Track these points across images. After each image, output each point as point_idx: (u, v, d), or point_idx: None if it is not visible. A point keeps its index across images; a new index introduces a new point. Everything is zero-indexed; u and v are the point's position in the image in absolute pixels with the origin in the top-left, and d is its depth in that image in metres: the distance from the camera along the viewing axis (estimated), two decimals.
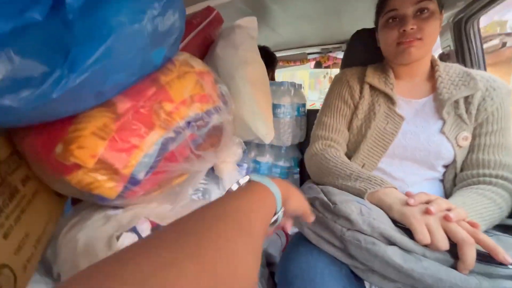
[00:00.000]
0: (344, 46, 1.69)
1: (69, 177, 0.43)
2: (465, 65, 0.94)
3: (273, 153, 0.93)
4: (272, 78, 1.51)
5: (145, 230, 0.47)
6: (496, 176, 0.60)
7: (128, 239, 0.45)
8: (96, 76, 0.35)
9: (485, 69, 0.90)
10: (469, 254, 0.40)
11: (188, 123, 0.54)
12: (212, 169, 0.77)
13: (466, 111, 0.65)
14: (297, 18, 1.27)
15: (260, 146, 0.94)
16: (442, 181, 0.71)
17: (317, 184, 0.67)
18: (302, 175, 0.97)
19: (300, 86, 0.97)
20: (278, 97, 0.87)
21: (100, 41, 0.34)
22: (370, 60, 0.85)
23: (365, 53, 0.92)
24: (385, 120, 0.72)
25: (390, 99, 0.73)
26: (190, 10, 1.08)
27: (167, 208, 0.56)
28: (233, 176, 0.75)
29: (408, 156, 0.69)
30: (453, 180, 0.69)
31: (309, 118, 1.04)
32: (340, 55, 1.83)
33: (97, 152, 0.42)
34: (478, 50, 0.89)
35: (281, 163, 0.91)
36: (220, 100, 0.63)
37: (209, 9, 0.89)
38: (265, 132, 0.74)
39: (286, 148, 0.93)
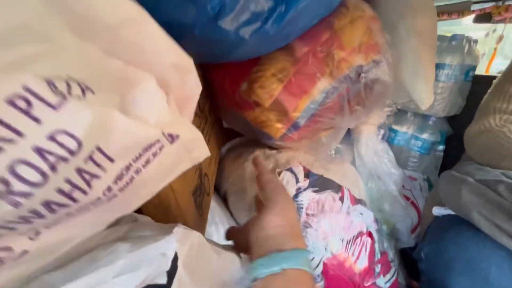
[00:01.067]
0: None
1: (247, 113, 0.49)
2: None
3: (415, 122, 0.80)
4: None
5: (299, 172, 0.51)
6: None
7: (287, 176, 0.49)
8: (298, 16, 0.36)
9: None
10: None
11: (352, 73, 0.51)
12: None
13: None
14: None
15: (400, 113, 0.82)
16: None
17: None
18: (448, 154, 0.81)
19: (476, 42, 0.75)
20: (444, 54, 0.70)
21: None
22: None
23: None
24: None
25: None
26: None
27: (312, 158, 0.57)
28: (371, 140, 0.70)
29: None
30: None
31: (474, 85, 0.82)
32: None
33: (275, 93, 0.45)
34: None
35: (425, 135, 0.77)
36: (384, 51, 0.56)
37: None
38: (425, 96, 0.63)
39: (437, 119, 0.78)
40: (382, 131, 0.77)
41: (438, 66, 0.71)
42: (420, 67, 0.62)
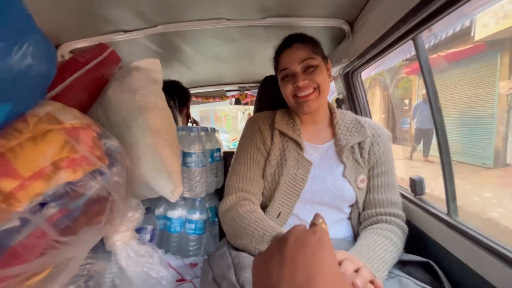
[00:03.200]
0: None
1: None
2: (355, 110, 1.09)
3: (186, 205, 0.82)
4: (187, 114, 1.43)
5: None
6: (390, 214, 0.67)
7: None
8: None
9: (369, 115, 1.06)
10: None
11: (47, 201, 0.40)
12: (102, 241, 0.60)
13: (361, 156, 0.71)
14: (210, 58, 1.27)
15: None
16: (349, 219, 0.76)
17: (233, 246, 0.61)
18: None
19: (213, 129, 0.92)
20: (188, 144, 0.79)
21: None
22: (280, 104, 0.86)
23: (275, 98, 0.95)
24: (296, 166, 0.72)
25: (298, 145, 0.74)
26: (83, 43, 0.93)
27: None
28: (130, 247, 0.61)
29: (318, 200, 0.71)
30: (358, 219, 0.74)
31: (226, 161, 1.00)
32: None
33: None
34: (363, 98, 1.05)
35: (195, 216, 0.80)
36: (106, 160, 0.51)
37: (101, 46, 0.77)
38: (171, 189, 0.64)
39: (201, 199, 0.84)
40: (150, 228, 0.71)
41: (186, 155, 0.79)
42: (160, 162, 0.64)
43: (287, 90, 0.71)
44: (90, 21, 0.81)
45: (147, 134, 0.65)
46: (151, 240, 0.70)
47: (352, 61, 0.91)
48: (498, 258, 0.46)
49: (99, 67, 0.74)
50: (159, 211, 0.81)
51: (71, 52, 0.95)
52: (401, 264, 0.61)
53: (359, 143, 0.72)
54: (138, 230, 0.68)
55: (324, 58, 0.73)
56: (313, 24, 0.86)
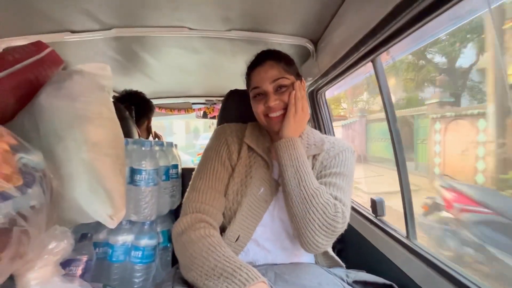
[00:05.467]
0: None
1: None
2: (319, 127, 1.10)
3: (133, 230, 0.72)
4: (148, 128, 1.33)
5: None
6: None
7: None
8: None
9: (333, 133, 1.07)
10: None
11: None
12: (12, 281, 0.48)
13: (313, 168, 0.68)
14: (174, 68, 1.20)
15: None
16: None
17: (182, 278, 0.53)
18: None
19: (171, 144, 0.84)
20: (137, 160, 0.70)
21: None
22: (246, 117, 0.82)
23: (239, 112, 0.92)
24: (261, 186, 0.68)
25: (266, 163, 0.70)
26: (19, 41, 0.81)
27: None
28: (51, 286, 0.49)
29: (278, 226, 0.67)
30: None
31: (185, 179, 0.92)
32: None
33: None
34: (327, 116, 1.06)
35: (143, 242, 0.70)
36: (19, 179, 0.41)
37: (39, 45, 0.67)
38: (109, 213, 0.54)
39: (152, 222, 0.75)
40: (84, 259, 0.60)
41: (135, 172, 0.70)
42: (98, 181, 0.55)
43: (258, 110, 0.67)
44: (28, 17, 0.72)
45: (83, 148, 0.55)
46: (83, 275, 0.59)
47: (316, 80, 0.92)
48: (453, 284, 0.45)
49: (32, 68, 0.63)
50: (100, 237, 0.70)
51: (4, 50, 0.82)
52: (363, 285, 0.58)
53: (314, 156, 0.69)
54: (67, 263, 0.56)
55: (298, 77, 0.71)
56: (278, 41, 0.85)
